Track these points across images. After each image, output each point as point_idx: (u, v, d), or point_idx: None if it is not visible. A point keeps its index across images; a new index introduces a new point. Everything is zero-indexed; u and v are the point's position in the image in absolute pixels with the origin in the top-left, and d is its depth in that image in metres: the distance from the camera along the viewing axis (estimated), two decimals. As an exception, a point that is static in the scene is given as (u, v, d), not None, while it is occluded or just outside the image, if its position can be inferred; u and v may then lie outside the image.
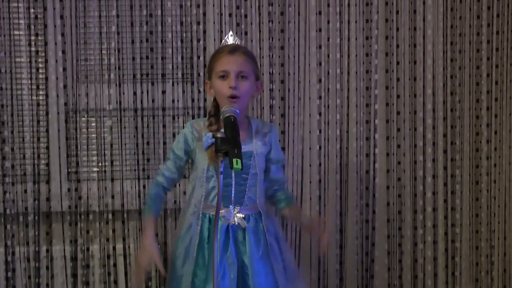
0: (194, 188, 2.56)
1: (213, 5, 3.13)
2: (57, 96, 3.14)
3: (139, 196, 3.18)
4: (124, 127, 3.18)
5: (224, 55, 2.51)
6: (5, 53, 3.09)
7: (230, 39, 2.60)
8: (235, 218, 2.52)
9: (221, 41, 3.05)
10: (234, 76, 2.48)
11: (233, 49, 2.52)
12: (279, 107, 3.20)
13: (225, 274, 2.48)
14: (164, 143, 3.18)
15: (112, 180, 3.18)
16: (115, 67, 3.14)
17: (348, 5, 3.19)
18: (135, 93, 3.16)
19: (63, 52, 3.12)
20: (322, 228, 2.55)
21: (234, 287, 2.48)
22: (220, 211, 2.49)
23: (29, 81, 3.12)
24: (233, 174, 2.45)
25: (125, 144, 3.18)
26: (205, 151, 2.46)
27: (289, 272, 2.61)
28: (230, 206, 2.50)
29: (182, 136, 2.58)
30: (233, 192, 2.49)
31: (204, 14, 3.15)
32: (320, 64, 3.19)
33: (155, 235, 2.53)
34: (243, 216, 2.52)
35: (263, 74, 3.14)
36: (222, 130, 2.21)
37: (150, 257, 2.48)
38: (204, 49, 3.16)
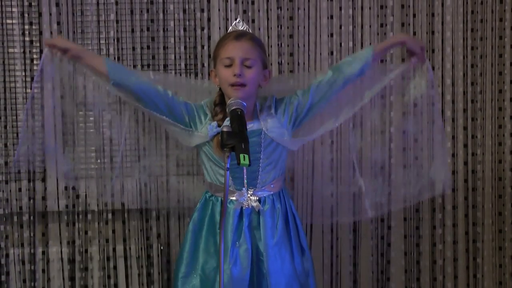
0: (205, 170, 2.54)
1: (218, -9, 3.06)
2: (53, 88, 2.97)
3: (140, 194, 3.09)
4: (125, 121, 3.04)
5: (229, 41, 2.46)
6: (-3, 44, 3.03)
7: (238, 26, 2.56)
8: (249, 201, 2.45)
9: (226, 30, 2.99)
10: (239, 63, 2.41)
11: (239, 35, 2.47)
12: (289, 99, 3.07)
13: (237, 261, 2.42)
14: (167, 138, 3.08)
15: (112, 177, 3.05)
16: (114, 58, 3.06)
17: (362, -10, 3.10)
18: (135, 85, 3.05)
19: (59, 42, 3.02)
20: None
21: (248, 275, 2.43)
22: (233, 195, 2.46)
23: (23, 73, 3.04)
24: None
25: (126, 140, 3.05)
26: (210, 141, 2.43)
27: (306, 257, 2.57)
28: (243, 188, 2.45)
29: (193, 103, 2.54)
30: (245, 173, 2.42)
31: (209, 1, 3.07)
32: (332, 53, 3.10)
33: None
34: (258, 198, 2.46)
35: (271, 64, 3.06)
36: (228, 123, 2.13)
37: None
38: (209, 38, 3.07)
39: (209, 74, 2.98)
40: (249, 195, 2.44)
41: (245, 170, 2.40)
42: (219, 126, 2.39)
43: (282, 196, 2.52)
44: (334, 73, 2.53)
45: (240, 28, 2.53)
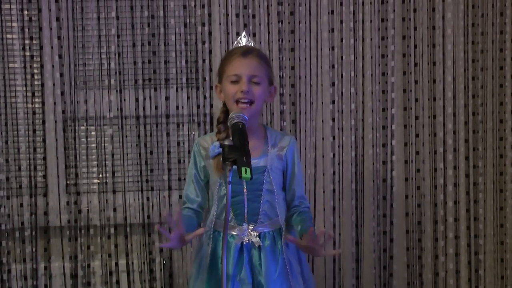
0: (210, 206, 2.47)
1: (219, 5, 3.04)
2: (54, 103, 3.06)
3: (142, 208, 3.10)
4: (126, 136, 3.10)
5: (236, 58, 2.41)
6: (-3, 59, 3.02)
7: (243, 40, 2.51)
8: (249, 237, 2.40)
9: (227, 43, 2.99)
10: (246, 80, 2.37)
11: (246, 51, 2.42)
12: (290, 113, 3.10)
13: None
14: (168, 152, 3.09)
15: (114, 192, 3.10)
16: (116, 72, 3.05)
17: (363, 3, 3.08)
18: (137, 100, 3.07)
19: (60, 56, 3.03)
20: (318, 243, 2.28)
21: None
22: (234, 230, 2.39)
23: (24, 88, 3.04)
24: (245, 191, 2.34)
25: (127, 154, 3.10)
26: (210, 161, 2.38)
27: None
28: (244, 224, 2.39)
29: (192, 155, 2.49)
30: (246, 209, 2.37)
31: (209, 14, 3.06)
32: (333, 66, 3.10)
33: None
34: (258, 234, 2.41)
35: (272, 77, 3.02)
36: (230, 137, 2.11)
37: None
38: (210, 52, 3.06)
39: (214, 88, 2.96)
40: (249, 230, 2.40)
41: (246, 207, 2.36)
42: (221, 145, 2.35)
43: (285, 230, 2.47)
44: (290, 209, 2.49)
45: (245, 43, 2.49)
